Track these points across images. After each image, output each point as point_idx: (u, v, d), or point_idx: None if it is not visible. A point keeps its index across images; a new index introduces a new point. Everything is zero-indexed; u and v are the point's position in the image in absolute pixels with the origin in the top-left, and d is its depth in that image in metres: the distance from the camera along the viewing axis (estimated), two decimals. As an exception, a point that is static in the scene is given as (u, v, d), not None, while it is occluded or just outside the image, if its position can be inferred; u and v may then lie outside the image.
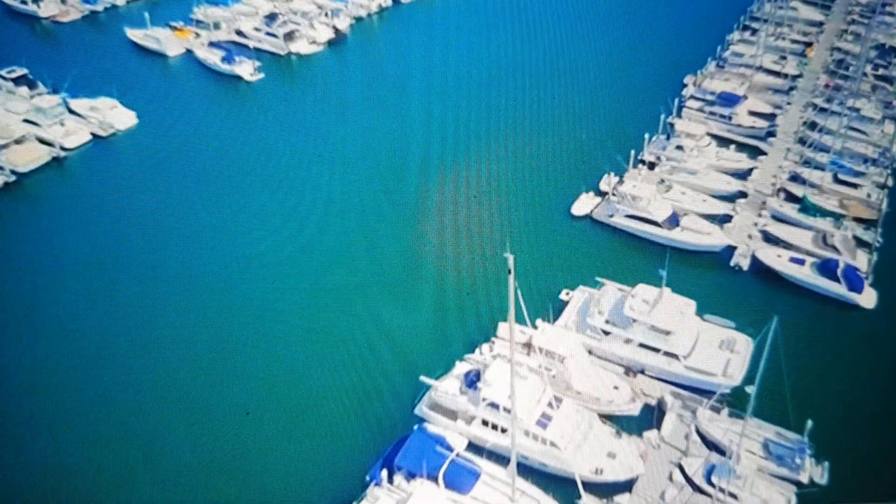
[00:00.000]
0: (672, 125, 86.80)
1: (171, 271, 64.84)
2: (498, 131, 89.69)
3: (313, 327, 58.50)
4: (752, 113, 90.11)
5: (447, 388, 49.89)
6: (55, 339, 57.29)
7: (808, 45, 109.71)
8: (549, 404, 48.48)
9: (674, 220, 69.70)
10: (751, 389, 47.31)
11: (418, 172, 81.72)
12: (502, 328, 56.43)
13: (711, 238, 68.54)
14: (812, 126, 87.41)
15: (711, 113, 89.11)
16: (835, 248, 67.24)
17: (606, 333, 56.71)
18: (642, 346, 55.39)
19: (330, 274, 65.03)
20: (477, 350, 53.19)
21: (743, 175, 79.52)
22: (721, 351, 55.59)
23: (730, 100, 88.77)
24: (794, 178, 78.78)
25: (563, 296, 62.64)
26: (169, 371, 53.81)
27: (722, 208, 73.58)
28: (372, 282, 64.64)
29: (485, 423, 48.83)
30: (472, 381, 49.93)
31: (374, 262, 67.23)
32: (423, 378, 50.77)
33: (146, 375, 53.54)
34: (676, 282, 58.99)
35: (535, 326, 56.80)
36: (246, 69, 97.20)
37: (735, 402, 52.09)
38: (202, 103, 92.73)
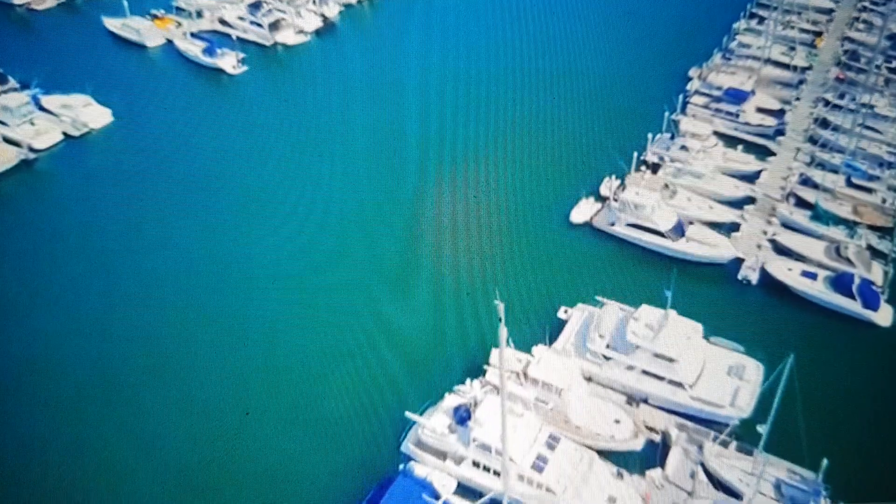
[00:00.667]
0: (676, 123, 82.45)
1: (156, 277, 62.33)
2: (492, 129, 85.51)
3: (309, 327, 57.67)
4: (760, 110, 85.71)
5: (435, 425, 46.25)
6: (48, 341, 55.99)
7: (818, 34, 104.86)
8: (546, 444, 44.90)
9: (679, 230, 65.73)
10: (762, 429, 43.88)
11: (409, 173, 77.89)
12: (495, 355, 52.71)
13: (719, 250, 64.64)
14: (823, 124, 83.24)
15: (717, 110, 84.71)
16: (849, 261, 63.41)
17: (607, 359, 52.96)
18: (646, 373, 51.72)
19: (324, 274, 62.80)
20: (468, 381, 49.46)
21: (751, 177, 75.41)
22: (729, 378, 51.98)
23: (737, 96, 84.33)
24: (805, 181, 74.69)
25: (561, 313, 58.87)
26: (168, 371, 52.92)
27: (729, 215, 69.60)
28: (371, 281, 62.91)
29: (476, 464, 45.27)
30: (461, 417, 46.34)
31: (371, 260, 65.29)
32: (408, 414, 47.08)
33: (146, 375, 52.55)
34: (681, 296, 55.73)
35: (531, 353, 53.24)
36: (229, 62, 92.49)
37: (744, 433, 48.58)
38: (182, 99, 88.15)
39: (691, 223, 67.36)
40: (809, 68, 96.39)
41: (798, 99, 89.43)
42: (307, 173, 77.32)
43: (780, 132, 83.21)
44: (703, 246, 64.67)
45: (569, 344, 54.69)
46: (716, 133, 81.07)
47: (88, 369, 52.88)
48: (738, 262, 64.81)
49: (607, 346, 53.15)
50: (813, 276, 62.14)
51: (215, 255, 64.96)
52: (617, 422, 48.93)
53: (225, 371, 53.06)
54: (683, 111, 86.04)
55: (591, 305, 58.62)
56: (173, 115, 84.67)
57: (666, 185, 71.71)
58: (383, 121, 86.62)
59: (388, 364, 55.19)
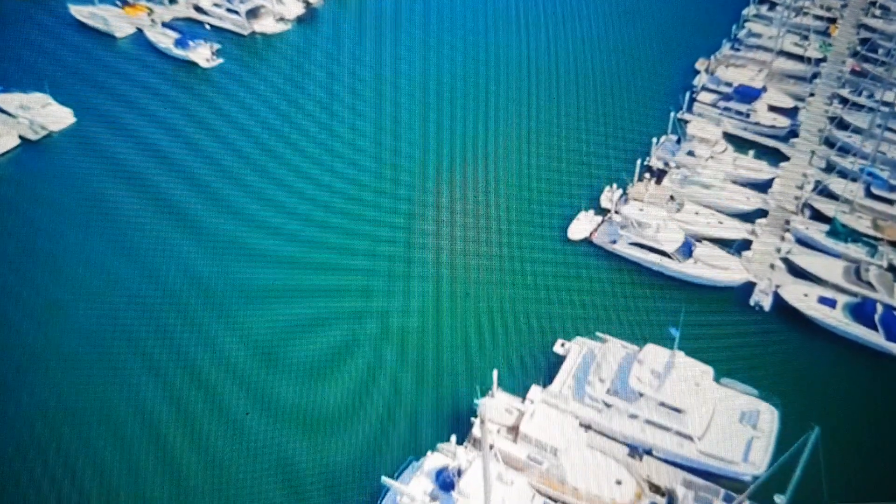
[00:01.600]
0: (683, 122, 76.80)
1: (125, 288, 59.64)
2: (482, 128, 79.68)
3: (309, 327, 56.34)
4: (772, 108, 79.91)
5: (415, 492, 41.40)
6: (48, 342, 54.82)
7: (833, 21, 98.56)
8: (539, 516, 40.24)
9: (686, 250, 60.49)
10: (780, 500, 39.15)
11: (386, 179, 72.60)
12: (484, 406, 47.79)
13: (729, 273, 59.48)
14: (840, 124, 77.57)
15: (727, 109, 78.89)
16: (870, 285, 58.37)
17: (608, 406, 48.08)
18: (650, 423, 46.90)
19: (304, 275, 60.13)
20: (452, 439, 44.49)
21: (763, 186, 69.92)
22: (742, 427, 47.18)
23: (748, 94, 78.43)
24: (821, 190, 69.27)
25: (557, 347, 53.87)
26: (168, 371, 52.17)
27: (740, 230, 64.28)
28: (371, 280, 60.84)
29: (461, 539, 40.62)
30: (444, 482, 41.50)
31: (367, 262, 62.67)
32: (384, 480, 42.28)
33: (145, 376, 51.80)
34: (688, 322, 49.59)
35: (524, 398, 48.47)
36: (202, 54, 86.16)
37: (758, 492, 43.89)
38: (151, 96, 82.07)
39: (699, 240, 62.06)
40: (824, 60, 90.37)
41: (812, 95, 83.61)
42: (285, 175, 72.14)
43: (794, 133, 77.59)
44: (713, 269, 59.44)
45: (566, 387, 49.76)
46: (725, 134, 75.49)
47: (88, 369, 51.87)
48: (750, 284, 59.69)
49: (608, 392, 48.22)
50: (831, 304, 57.08)
51: (168, 272, 61.36)
52: (618, 483, 44.19)
53: (225, 371, 52.15)
54: (690, 109, 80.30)
55: (590, 339, 53.59)
56: (141, 114, 78.76)
57: (672, 198, 66.29)
58: (371, 118, 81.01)
59: (388, 364, 53.67)
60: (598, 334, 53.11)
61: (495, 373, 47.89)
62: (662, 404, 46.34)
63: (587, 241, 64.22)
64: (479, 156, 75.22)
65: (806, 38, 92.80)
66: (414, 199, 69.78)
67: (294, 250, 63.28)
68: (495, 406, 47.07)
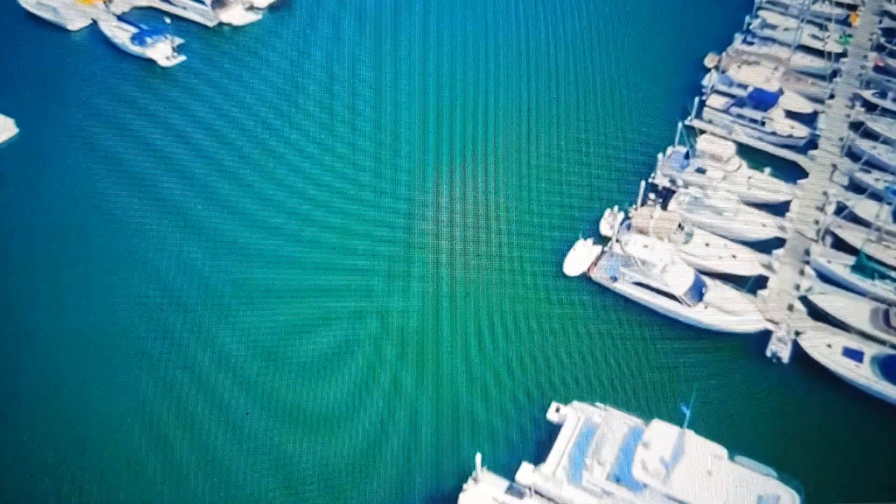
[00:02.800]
0: (691, 131, 69.63)
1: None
2: (470, 140, 72.44)
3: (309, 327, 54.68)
4: (789, 114, 72.69)
5: None
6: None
7: (853, 8, 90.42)
8: None
9: (696, 292, 54.08)
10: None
11: (362, 190, 66.43)
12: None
13: (743, 320, 53.20)
14: (864, 132, 70.47)
15: (740, 116, 71.61)
16: (901, 332, 52.26)
17: (608, 493, 42.17)
18: (656, 515, 41.06)
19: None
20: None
21: (780, 208, 63.18)
22: (760, 518, 41.37)
23: (763, 100, 71.07)
24: (843, 211, 62.66)
25: (551, 413, 47.79)
26: (168, 371, 50.95)
27: (755, 265, 57.77)
28: (372, 279, 58.27)
29: None
30: None
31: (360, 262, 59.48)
32: None
33: (144, 376, 50.64)
34: (695, 378, 47.68)
35: (513, 480, 42.65)
36: (161, 51, 78.05)
37: None
38: (106, 100, 74.24)
39: (711, 282, 55.54)
40: (844, 54, 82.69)
41: (832, 97, 76.30)
42: (256, 186, 65.85)
43: (813, 143, 70.51)
44: (726, 316, 53.05)
45: (560, 467, 43.76)
46: (738, 144, 68.34)
47: (89, 370, 50.74)
48: (767, 331, 53.44)
49: (608, 478, 42.28)
50: (858, 357, 50.98)
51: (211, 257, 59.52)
52: None
53: (225, 371, 51.04)
54: (699, 115, 73.01)
55: (588, 404, 47.48)
56: (93, 123, 71.21)
57: (680, 226, 59.50)
58: (352, 121, 74.01)
59: (389, 363, 52.16)
60: (598, 404, 46.86)
61: (478, 457, 42.15)
62: (670, 498, 40.42)
63: (585, 277, 57.64)
64: (462, 168, 68.12)
65: (825, 28, 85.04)
66: (396, 221, 63.77)
67: (282, 259, 59.66)
68: (481, 497, 41.20)
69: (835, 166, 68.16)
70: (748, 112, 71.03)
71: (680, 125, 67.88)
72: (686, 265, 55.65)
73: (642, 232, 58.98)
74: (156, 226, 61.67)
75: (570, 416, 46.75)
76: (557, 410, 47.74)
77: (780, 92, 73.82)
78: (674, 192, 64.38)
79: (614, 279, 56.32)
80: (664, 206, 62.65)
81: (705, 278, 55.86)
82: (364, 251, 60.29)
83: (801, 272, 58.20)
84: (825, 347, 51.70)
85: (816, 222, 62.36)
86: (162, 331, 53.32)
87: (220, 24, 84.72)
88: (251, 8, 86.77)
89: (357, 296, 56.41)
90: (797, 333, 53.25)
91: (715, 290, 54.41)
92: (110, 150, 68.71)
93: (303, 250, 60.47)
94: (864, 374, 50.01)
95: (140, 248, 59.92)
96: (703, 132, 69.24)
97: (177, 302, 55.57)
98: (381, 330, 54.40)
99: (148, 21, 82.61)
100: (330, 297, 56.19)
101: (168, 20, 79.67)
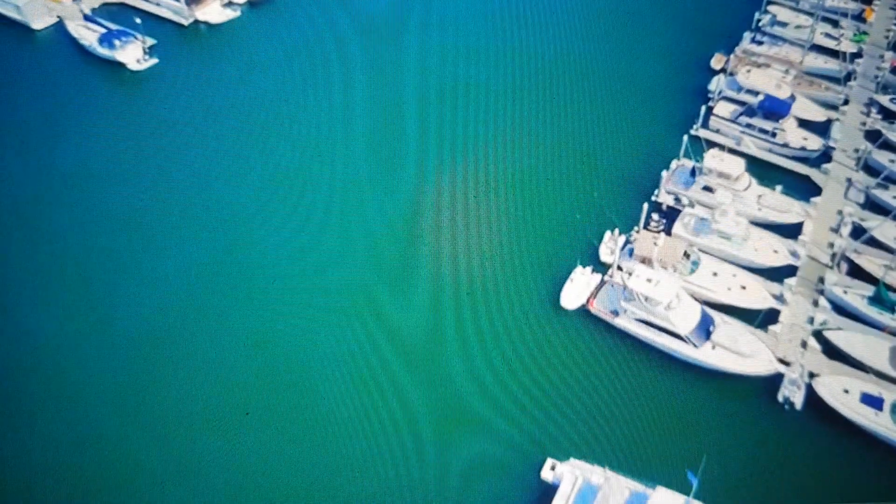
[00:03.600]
0: (698, 141, 65.37)
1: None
2: (460, 149, 68.05)
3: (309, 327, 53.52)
4: (802, 123, 68.19)
5: None
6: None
7: (868, 2, 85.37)
8: None
9: (702, 331, 50.15)
10: None
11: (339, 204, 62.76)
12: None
13: (753, 363, 49.39)
14: (883, 143, 66.07)
15: (749, 126, 67.09)
16: (924, 376, 48.50)
17: (608, 571, 38.65)
18: None
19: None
20: None
21: (792, 230, 59.03)
22: None
23: (775, 110, 66.46)
24: (859, 232, 58.65)
25: (546, 471, 44.10)
26: (168, 371, 50.05)
27: (766, 297, 53.77)
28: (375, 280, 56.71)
29: None
30: None
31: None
32: None
33: (144, 375, 49.75)
34: (701, 422, 46.02)
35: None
36: (132, 54, 72.97)
37: None
38: (70, 107, 69.33)
39: (717, 307, 51.59)
40: (859, 54, 77.92)
41: (846, 103, 71.74)
42: (233, 202, 61.82)
43: (827, 156, 66.13)
44: (734, 357, 49.18)
45: (556, 540, 40.13)
46: (746, 157, 64.08)
47: (88, 371, 49.87)
48: (778, 373, 49.67)
49: (609, 554, 38.67)
50: (877, 404, 47.27)
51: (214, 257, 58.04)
52: None
53: (225, 371, 50.22)
54: (706, 124, 68.52)
55: (587, 463, 43.77)
56: (55, 131, 66.49)
57: (686, 254, 55.37)
58: (339, 127, 69.48)
59: (389, 363, 51.04)
60: (598, 467, 43.08)
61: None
62: (677, 579, 36.94)
63: (583, 310, 53.62)
64: (449, 182, 63.75)
65: (838, 24, 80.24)
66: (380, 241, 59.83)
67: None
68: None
69: (850, 181, 63.92)
70: (758, 122, 66.53)
71: (685, 138, 63.45)
72: (692, 300, 51.65)
73: (645, 261, 54.94)
74: (151, 227, 59.84)
75: (566, 478, 43.05)
76: (553, 468, 44.03)
77: (792, 98, 69.22)
78: (679, 211, 60.17)
79: (615, 314, 52.34)
80: (668, 228, 58.52)
81: (713, 313, 51.94)
82: (364, 253, 58.44)
83: (815, 303, 54.29)
84: (842, 393, 47.96)
85: (831, 245, 58.33)
86: (162, 331, 52.24)
87: (196, 22, 79.45)
88: (229, 4, 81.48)
89: (356, 297, 55.10)
90: (811, 376, 49.48)
91: (723, 328, 50.45)
92: (75, 160, 64.31)
93: (301, 252, 58.59)
94: (884, 424, 46.34)
95: (138, 248, 58.11)
96: (710, 144, 65.00)
97: (177, 302, 54.23)
98: (381, 331, 53.06)
99: (118, 18, 77.42)
100: (329, 298, 54.96)
101: (138, 20, 74.37)
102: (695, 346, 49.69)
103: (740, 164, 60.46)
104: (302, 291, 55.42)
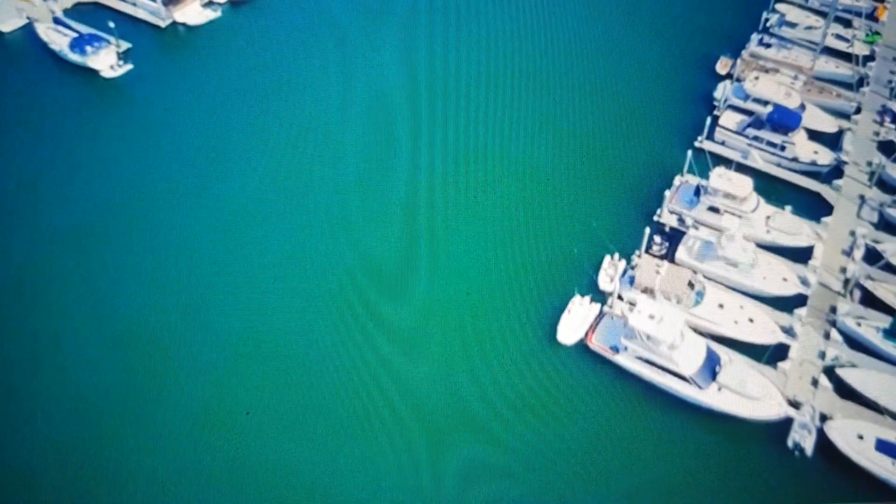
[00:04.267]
0: (702, 154, 62.10)
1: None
2: (451, 157, 64.68)
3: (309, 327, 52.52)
4: (812, 135, 64.71)
5: None
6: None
7: (881, 0, 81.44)
8: None
9: (708, 371, 47.19)
10: None
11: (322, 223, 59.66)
12: None
13: (761, 407, 46.39)
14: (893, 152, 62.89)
15: (757, 138, 63.61)
16: (943, 418, 45.64)
17: None
18: None
19: None
20: None
21: (803, 254, 55.85)
22: None
23: (784, 123, 62.86)
24: (873, 256, 55.55)
25: (541, 530, 41.39)
26: (168, 371, 49.26)
27: (775, 332, 50.73)
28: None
29: None
30: None
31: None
32: None
33: (144, 375, 48.99)
34: (706, 472, 43.52)
35: None
36: (105, 60, 68.99)
37: None
38: (38, 117, 65.44)
39: (725, 356, 48.50)
40: (871, 57, 74.21)
41: (858, 111, 68.19)
42: (215, 221, 58.91)
43: (839, 170, 62.70)
44: (742, 401, 46.21)
45: None
46: (754, 171, 60.85)
47: (88, 371, 49.27)
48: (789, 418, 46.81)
49: None
50: (893, 452, 44.40)
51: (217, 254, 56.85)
52: None
53: (225, 371, 49.54)
54: (711, 136, 65.01)
55: (585, 519, 41.09)
56: (20, 145, 62.82)
57: (691, 284, 52.20)
58: (325, 137, 65.80)
59: (389, 363, 50.17)
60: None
61: None
62: None
63: (582, 345, 50.51)
64: (437, 213, 60.47)
65: (850, 25, 76.39)
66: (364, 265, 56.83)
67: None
68: None
69: (863, 199, 60.62)
70: (766, 135, 63.02)
71: (689, 153, 60.12)
72: (697, 336, 48.59)
73: (647, 291, 51.82)
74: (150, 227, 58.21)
75: (564, 537, 40.27)
76: (548, 526, 41.29)
77: (802, 107, 65.73)
78: (682, 233, 56.91)
79: (615, 350, 49.27)
80: (672, 253, 55.30)
81: (719, 349, 48.92)
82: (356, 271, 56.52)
83: (827, 335, 51.24)
84: (855, 439, 45.11)
85: (843, 271, 55.17)
86: (162, 332, 51.41)
87: (174, 23, 75.29)
88: (209, 3, 77.26)
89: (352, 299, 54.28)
90: (823, 418, 46.55)
91: (730, 368, 47.36)
92: (44, 174, 60.88)
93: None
94: (900, 473, 43.58)
95: (140, 249, 56.80)
96: (714, 157, 61.71)
97: (177, 302, 53.23)
98: (377, 339, 51.96)
99: (92, 18, 73.29)
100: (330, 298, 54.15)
101: (112, 23, 70.05)
102: (700, 387, 46.69)
103: (748, 183, 57.03)
104: (302, 292, 53.94)
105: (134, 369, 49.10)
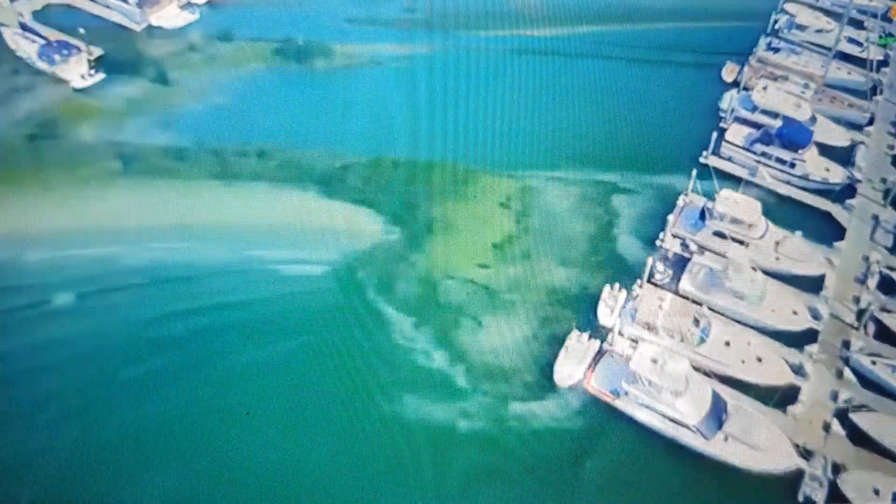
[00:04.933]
0: (707, 169, 58.84)
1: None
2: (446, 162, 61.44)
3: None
4: (823, 150, 61.32)
5: None
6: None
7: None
8: None
9: (714, 420, 44.33)
10: None
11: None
12: None
13: (770, 458, 43.52)
14: (909, 170, 59.70)
15: (765, 154, 60.21)
16: (964, 470, 42.84)
17: None
18: None
19: None
20: None
21: (814, 283, 52.77)
22: None
23: (794, 139, 59.47)
24: (888, 284, 52.53)
25: None
26: (168, 372, 48.73)
27: (783, 370, 47.82)
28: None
29: None
30: None
31: None
32: None
33: (145, 375, 48.32)
34: None
35: None
36: (75, 69, 65.08)
37: None
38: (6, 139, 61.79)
39: (732, 401, 45.48)
40: (885, 62, 70.52)
41: (871, 123, 64.69)
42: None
43: (851, 189, 59.37)
44: (749, 453, 43.32)
45: None
46: (762, 189, 57.70)
47: (88, 370, 48.75)
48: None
49: None
50: (911, 507, 41.67)
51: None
52: None
53: (225, 371, 49.10)
54: (717, 151, 61.66)
55: None
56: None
57: (696, 320, 49.12)
58: (312, 151, 62.31)
59: (389, 363, 49.35)
60: None
61: None
62: None
63: (580, 389, 47.48)
64: (421, 240, 57.24)
65: (862, 26, 72.57)
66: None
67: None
68: None
69: (877, 219, 57.42)
70: (775, 151, 59.60)
71: (693, 172, 56.80)
72: (702, 380, 45.63)
73: (649, 326, 48.76)
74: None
75: None
76: None
77: (813, 121, 62.22)
78: (686, 259, 53.74)
79: (615, 394, 46.27)
80: (675, 281, 52.16)
81: (726, 392, 45.95)
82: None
83: (839, 374, 48.31)
84: (871, 493, 42.33)
85: (856, 300, 52.10)
86: (162, 332, 50.87)
87: (150, 26, 71.21)
88: (187, 5, 73.09)
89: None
90: (836, 470, 43.74)
91: (736, 416, 44.32)
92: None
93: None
94: (919, 534, 40.90)
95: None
96: (720, 173, 58.46)
97: (178, 303, 52.51)
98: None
99: (63, 20, 69.29)
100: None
101: (82, 29, 65.97)
102: (705, 437, 43.80)
103: (756, 208, 53.80)
104: (303, 294, 52.82)
105: (134, 368, 48.40)
